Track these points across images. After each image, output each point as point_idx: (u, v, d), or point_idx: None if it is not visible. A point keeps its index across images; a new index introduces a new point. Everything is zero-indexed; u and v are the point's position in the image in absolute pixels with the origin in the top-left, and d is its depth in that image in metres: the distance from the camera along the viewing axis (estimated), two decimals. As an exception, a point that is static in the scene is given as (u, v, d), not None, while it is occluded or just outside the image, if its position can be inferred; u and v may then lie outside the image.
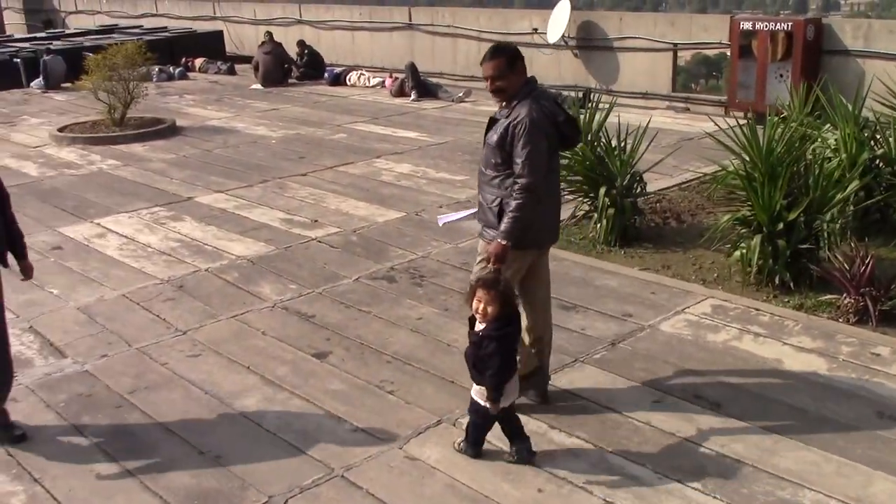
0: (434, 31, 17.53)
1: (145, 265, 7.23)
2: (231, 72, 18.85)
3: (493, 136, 4.47)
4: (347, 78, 16.69)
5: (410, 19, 18.15)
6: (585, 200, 7.60)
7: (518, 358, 4.31)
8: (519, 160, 4.34)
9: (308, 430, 4.65)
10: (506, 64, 4.43)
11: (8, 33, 26.62)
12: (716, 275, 6.53)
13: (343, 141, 11.73)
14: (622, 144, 7.41)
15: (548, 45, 14.72)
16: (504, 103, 4.50)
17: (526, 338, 4.75)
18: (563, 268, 6.78)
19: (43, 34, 23.29)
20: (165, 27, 23.02)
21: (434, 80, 15.87)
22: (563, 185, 7.54)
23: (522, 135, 4.33)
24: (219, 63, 19.30)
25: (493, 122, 4.55)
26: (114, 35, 20.65)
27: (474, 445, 4.34)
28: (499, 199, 4.49)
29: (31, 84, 17.57)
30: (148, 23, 24.55)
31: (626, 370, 5.16)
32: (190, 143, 11.99)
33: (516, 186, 4.36)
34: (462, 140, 11.44)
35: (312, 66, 17.42)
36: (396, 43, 18.40)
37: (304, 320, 6.03)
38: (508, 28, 15.96)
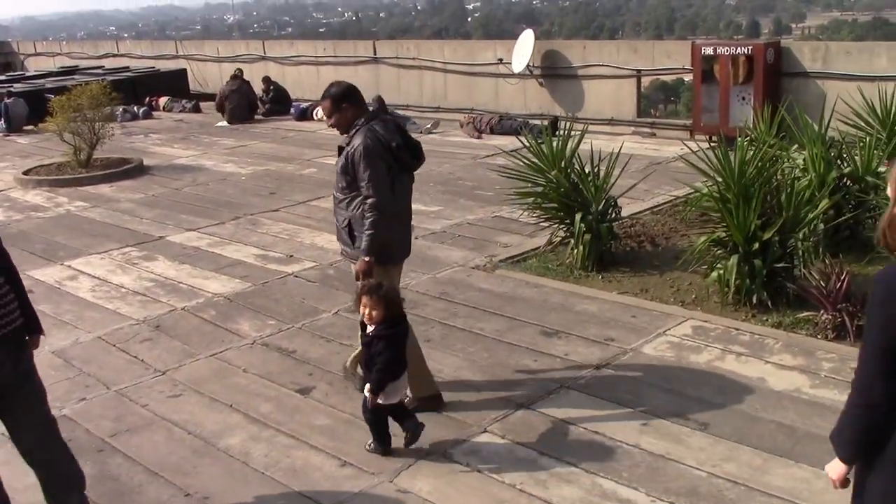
0: (399, 64, 17.65)
1: (120, 306, 7.13)
2: (196, 109, 18.79)
3: (338, 164, 4.96)
4: (314, 113, 16.69)
5: (375, 53, 18.26)
6: (561, 227, 7.64)
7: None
8: (363, 183, 4.81)
9: (296, 467, 4.59)
10: (331, 104, 4.96)
11: (-33, 77, 26.31)
12: (694, 296, 6.58)
13: (314, 175, 11.71)
14: (595, 170, 7.47)
15: (513, 75, 14.86)
16: (345, 135, 4.96)
17: None
18: (543, 294, 6.80)
19: (2, 77, 23.07)
20: (127, 67, 22.92)
21: (401, 111, 15.94)
22: (538, 212, 7.68)
23: (360, 160, 4.78)
24: (183, 101, 19.24)
25: (340, 150, 4.99)
26: (75, 76, 20.50)
27: (380, 442, 4.65)
28: (348, 220, 4.96)
29: (-7, 128, 17.37)
30: (109, 63, 24.42)
31: (612, 394, 5.16)
32: (158, 182, 11.90)
33: (366, 206, 4.82)
34: (433, 171, 11.45)
35: (278, 102, 17.43)
36: (362, 76, 18.46)
37: (285, 356, 5.97)
38: (473, 59, 16.11)
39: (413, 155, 5.05)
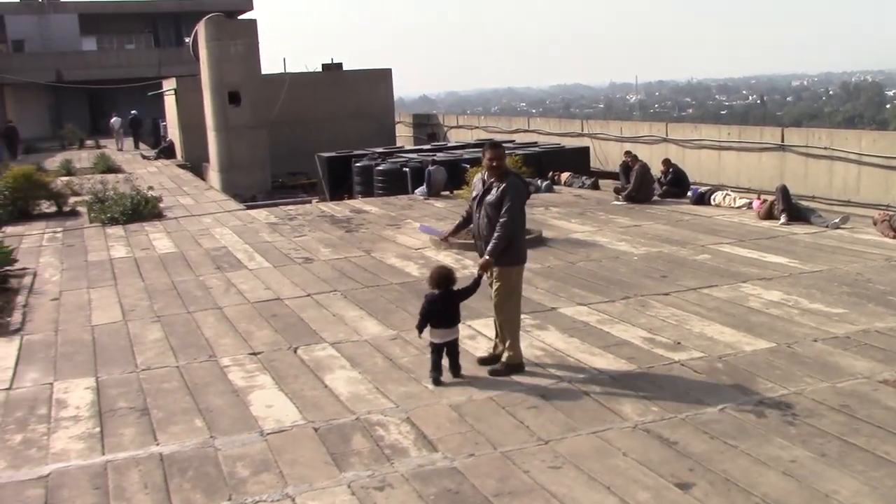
0: (808, 153, 16.85)
1: (511, 370, 7.52)
2: (595, 187, 19.41)
3: (492, 198, 7.20)
4: (712, 198, 16.41)
5: (783, 140, 17.61)
6: None
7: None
8: (505, 208, 7.10)
9: (670, 565, 4.47)
10: (504, 152, 7.46)
11: (399, 145, 29.80)
12: None
13: (707, 262, 11.49)
14: None
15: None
16: (496, 178, 7.26)
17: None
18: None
19: (428, 146, 25.75)
20: (535, 142, 24.43)
21: (806, 202, 15.12)
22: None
23: (510, 192, 7.12)
24: (583, 178, 19.99)
25: (489, 188, 7.27)
26: (489, 149, 22.26)
27: (433, 370, 7.25)
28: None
29: (415, 191, 19.41)
30: (520, 138, 26.23)
31: None
32: (554, 254, 12.44)
33: (502, 221, 7.10)
34: (839, 269, 10.69)
35: (676, 185, 17.40)
36: (765, 164, 17.90)
37: (666, 446, 5.87)
38: (895, 151, 14.86)
39: (528, 192, 7.59)
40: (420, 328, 7.31)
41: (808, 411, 6.35)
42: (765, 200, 14.98)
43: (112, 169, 29.05)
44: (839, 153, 16.13)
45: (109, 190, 19.25)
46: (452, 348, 7.34)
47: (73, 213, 18.89)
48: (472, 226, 7.64)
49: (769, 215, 14.45)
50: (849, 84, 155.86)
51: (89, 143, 43.46)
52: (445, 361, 7.33)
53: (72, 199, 19.88)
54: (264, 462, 5.92)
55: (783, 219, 14.07)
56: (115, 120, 41.95)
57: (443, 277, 7.30)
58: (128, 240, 15.40)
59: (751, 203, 15.50)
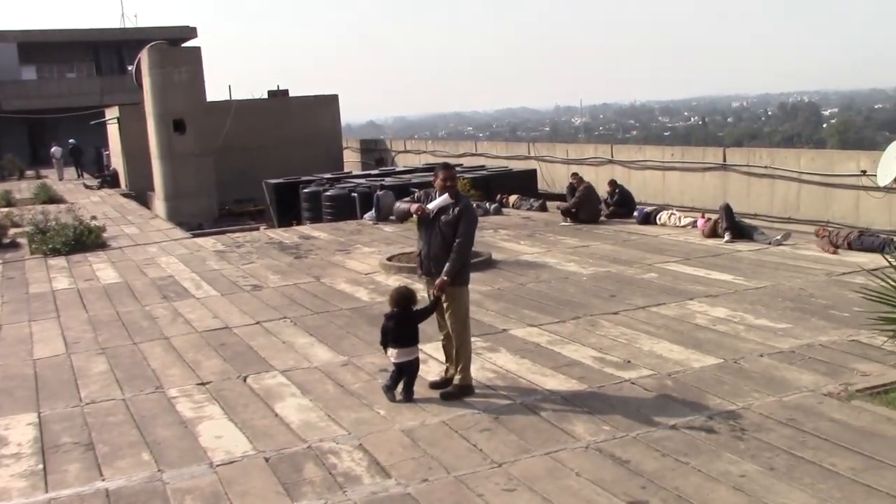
0: (750, 172, 17.21)
1: (463, 394, 7.49)
2: (542, 208, 19.58)
3: (449, 218, 7.26)
4: (657, 217, 16.65)
5: (724, 160, 17.97)
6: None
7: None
8: (461, 230, 7.22)
9: (625, 584, 4.47)
10: (456, 174, 7.66)
11: (347, 170, 29.75)
12: None
13: (654, 281, 11.63)
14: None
15: (878, 189, 13.83)
16: (452, 198, 7.31)
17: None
18: None
19: (376, 171, 25.76)
20: (483, 166, 24.60)
21: (748, 221, 15.42)
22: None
23: (467, 214, 7.30)
24: (531, 200, 20.16)
25: (445, 209, 7.30)
26: (437, 173, 22.36)
27: (388, 389, 7.37)
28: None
29: (364, 216, 19.39)
30: (468, 161, 26.37)
31: None
32: (504, 276, 12.49)
33: (458, 243, 7.20)
34: (782, 285, 10.90)
35: (622, 205, 17.63)
36: (709, 183, 18.23)
37: (618, 465, 5.90)
38: (832, 169, 15.28)
39: None
40: (382, 345, 7.46)
41: (756, 426, 6.44)
42: (709, 219, 15.23)
43: (54, 199, 28.50)
44: (780, 172, 16.51)
45: (51, 220, 18.87)
46: (410, 370, 7.36)
47: (14, 245, 18.47)
48: (420, 246, 7.63)
49: (713, 233, 14.69)
50: (786, 104, 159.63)
51: (30, 173, 42.65)
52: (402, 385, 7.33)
53: (12, 231, 19.45)
54: (214, 494, 5.80)
55: (727, 237, 14.32)
56: (55, 149, 41.23)
57: (401, 296, 7.39)
58: (70, 271, 15.09)
59: (695, 222, 15.75)
